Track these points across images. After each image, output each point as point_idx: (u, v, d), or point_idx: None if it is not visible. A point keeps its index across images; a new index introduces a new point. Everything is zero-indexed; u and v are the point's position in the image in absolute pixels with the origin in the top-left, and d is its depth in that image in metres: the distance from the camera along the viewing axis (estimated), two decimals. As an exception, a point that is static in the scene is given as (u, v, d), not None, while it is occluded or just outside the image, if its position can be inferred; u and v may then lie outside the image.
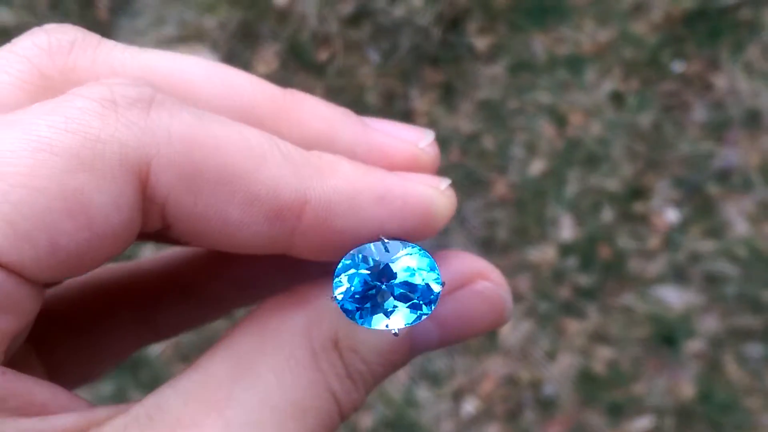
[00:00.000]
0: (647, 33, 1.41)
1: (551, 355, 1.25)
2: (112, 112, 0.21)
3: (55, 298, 0.28)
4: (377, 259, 0.23)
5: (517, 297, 1.27)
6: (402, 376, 1.24)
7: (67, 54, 0.23)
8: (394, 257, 0.23)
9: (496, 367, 1.24)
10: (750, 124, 1.34)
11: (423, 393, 1.24)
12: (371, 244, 0.23)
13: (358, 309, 0.23)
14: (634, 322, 1.26)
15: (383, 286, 0.23)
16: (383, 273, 0.23)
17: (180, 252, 0.31)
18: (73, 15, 1.48)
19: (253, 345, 0.23)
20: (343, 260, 0.23)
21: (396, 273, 0.23)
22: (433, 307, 0.23)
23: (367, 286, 0.23)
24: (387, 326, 0.23)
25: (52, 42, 0.23)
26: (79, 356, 0.29)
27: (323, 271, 0.26)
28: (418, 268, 0.23)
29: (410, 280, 0.23)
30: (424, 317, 0.23)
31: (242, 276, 0.31)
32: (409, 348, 0.26)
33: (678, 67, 1.39)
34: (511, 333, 1.25)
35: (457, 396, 1.24)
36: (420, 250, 0.23)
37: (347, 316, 0.23)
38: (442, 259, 0.26)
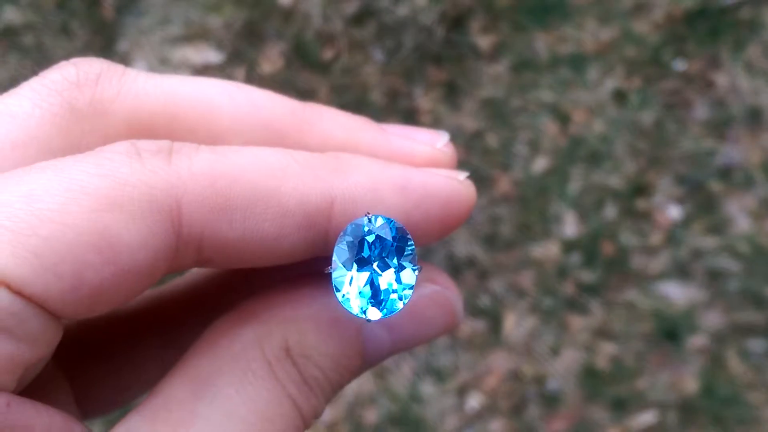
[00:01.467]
0: (649, 32, 1.42)
1: (555, 351, 1.25)
2: (137, 161, 0.21)
3: (84, 324, 0.29)
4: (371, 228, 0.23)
5: (521, 293, 1.28)
6: (407, 371, 1.24)
7: (94, 86, 0.24)
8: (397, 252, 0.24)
9: (500, 362, 1.25)
10: (751, 122, 1.35)
11: (428, 388, 1.24)
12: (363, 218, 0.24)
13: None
14: (637, 318, 1.26)
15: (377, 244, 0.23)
16: (383, 250, 0.23)
17: (200, 273, 0.32)
18: (79, 14, 1.49)
19: (209, 363, 0.24)
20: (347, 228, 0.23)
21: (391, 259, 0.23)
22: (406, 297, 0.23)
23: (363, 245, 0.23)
24: (360, 311, 0.23)
25: (80, 75, 0.24)
26: (107, 382, 0.29)
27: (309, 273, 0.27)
28: (401, 276, 0.24)
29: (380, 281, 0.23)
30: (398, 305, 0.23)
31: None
32: (359, 353, 0.26)
33: (679, 65, 1.40)
34: (515, 329, 1.26)
35: (462, 391, 1.24)
36: (414, 268, 0.24)
37: (335, 290, 0.23)
38: None
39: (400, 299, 0.23)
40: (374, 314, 0.23)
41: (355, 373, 0.26)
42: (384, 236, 0.23)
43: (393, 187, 0.25)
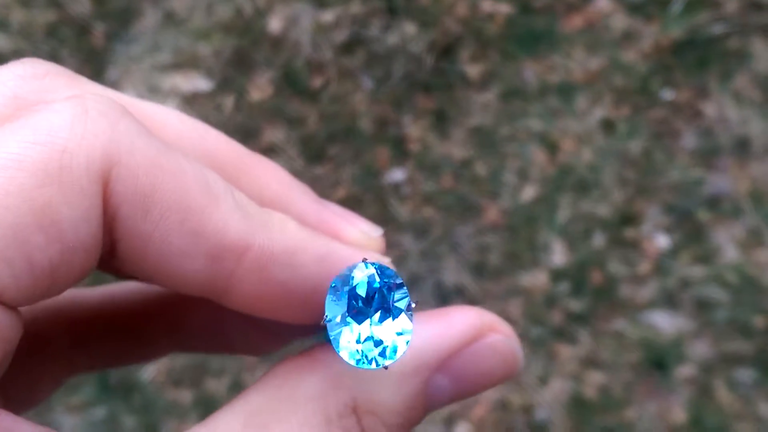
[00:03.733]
0: (637, 61, 1.43)
1: (543, 380, 1.25)
2: (80, 123, 0.21)
3: None
4: (380, 282, 0.22)
5: (509, 322, 1.28)
6: (394, 400, 1.24)
7: (41, 79, 0.24)
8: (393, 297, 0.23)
9: (487, 392, 1.24)
10: (739, 151, 1.36)
11: (415, 418, 1.23)
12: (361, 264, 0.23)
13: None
14: (625, 347, 1.26)
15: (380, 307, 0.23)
16: (382, 295, 0.23)
17: (122, 288, 0.31)
18: (69, 41, 1.49)
19: (267, 405, 0.23)
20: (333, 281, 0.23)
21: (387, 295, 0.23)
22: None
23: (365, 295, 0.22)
24: (377, 361, 0.22)
25: (27, 69, 0.24)
26: (17, 381, 0.28)
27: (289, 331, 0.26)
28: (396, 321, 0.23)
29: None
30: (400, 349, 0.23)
31: (181, 321, 0.31)
32: (424, 405, 0.25)
33: (667, 95, 1.40)
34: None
35: (449, 421, 1.24)
36: (410, 313, 0.23)
37: (333, 344, 0.22)
38: (451, 314, 0.26)
39: (403, 344, 0.22)
40: (381, 362, 0.22)
41: (416, 424, 0.26)
42: (375, 285, 0.22)
43: (313, 255, 0.24)
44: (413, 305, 0.22)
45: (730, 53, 1.42)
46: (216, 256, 0.23)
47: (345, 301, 0.22)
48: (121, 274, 0.27)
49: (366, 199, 1.36)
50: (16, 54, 1.49)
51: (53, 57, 1.48)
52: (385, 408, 0.24)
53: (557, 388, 1.24)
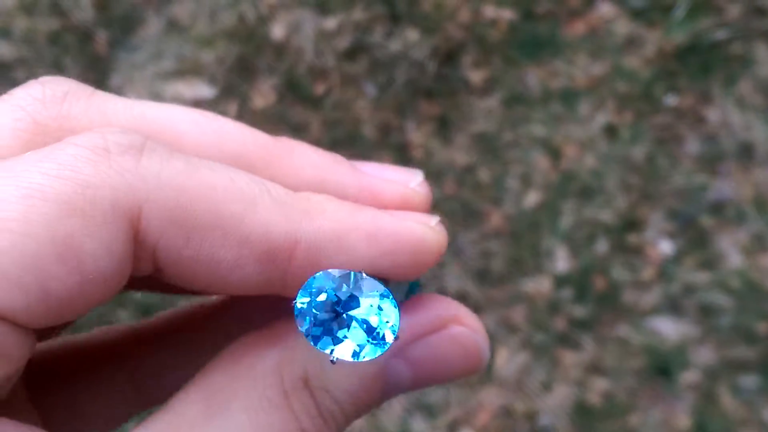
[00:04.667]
0: (640, 67, 1.43)
1: (547, 387, 1.25)
2: (104, 159, 0.21)
3: (50, 351, 0.29)
4: (348, 288, 0.23)
5: (513, 328, 1.28)
6: (397, 407, 1.24)
7: (61, 103, 0.24)
8: (366, 292, 0.23)
9: (491, 398, 1.24)
10: (743, 157, 1.35)
11: (418, 425, 1.23)
12: (351, 273, 0.23)
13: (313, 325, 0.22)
14: (629, 354, 1.26)
15: (344, 314, 0.23)
16: (348, 302, 0.23)
17: (171, 312, 0.31)
18: (72, 49, 1.50)
19: (226, 384, 0.23)
20: (316, 275, 0.23)
21: (360, 305, 0.23)
22: (379, 355, 0.23)
23: (328, 307, 0.23)
24: (332, 353, 0.22)
25: (47, 92, 0.24)
26: (72, 410, 0.29)
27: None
28: (382, 311, 0.23)
29: (368, 319, 0.23)
30: (369, 357, 0.23)
31: (233, 326, 0.31)
32: (380, 389, 0.25)
33: (671, 100, 1.40)
34: (507, 364, 1.25)
35: (453, 427, 1.23)
36: (392, 299, 0.23)
37: (300, 327, 0.22)
38: (418, 302, 0.27)
39: (391, 335, 0.23)
40: (368, 354, 0.22)
41: (372, 408, 0.26)
42: (369, 322, 0.22)
43: (361, 235, 0.24)
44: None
45: (733, 59, 1.42)
46: (265, 259, 0.23)
47: (310, 320, 0.22)
48: (172, 291, 0.27)
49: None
50: (19, 62, 1.49)
51: (56, 64, 1.48)
52: (336, 385, 0.24)
53: (561, 395, 1.24)
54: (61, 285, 0.20)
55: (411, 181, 0.28)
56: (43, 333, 0.23)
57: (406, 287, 0.27)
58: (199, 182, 0.22)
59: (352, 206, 0.25)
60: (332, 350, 0.22)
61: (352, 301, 0.23)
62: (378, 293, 0.23)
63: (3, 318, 0.20)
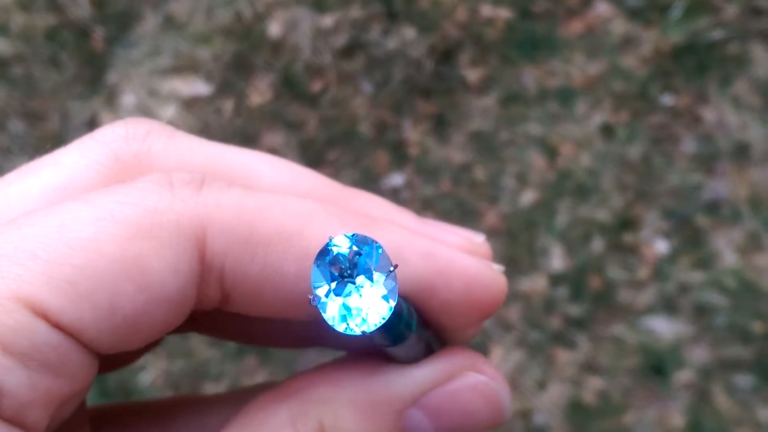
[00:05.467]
0: (636, 66, 1.43)
1: (542, 385, 1.25)
2: (168, 190, 0.22)
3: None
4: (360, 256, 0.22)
5: (508, 327, 1.28)
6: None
7: (142, 141, 0.25)
8: (376, 266, 0.22)
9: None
10: (738, 157, 1.36)
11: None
12: (373, 243, 0.22)
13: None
14: (624, 353, 1.26)
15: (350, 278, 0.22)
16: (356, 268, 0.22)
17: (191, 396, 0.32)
18: (69, 45, 1.49)
19: None
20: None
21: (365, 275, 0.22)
22: (354, 334, 0.22)
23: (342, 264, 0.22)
24: (318, 302, 0.22)
25: (129, 130, 0.25)
26: None
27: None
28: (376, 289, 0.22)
29: (363, 292, 0.22)
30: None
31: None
32: None
33: (667, 100, 1.40)
34: (502, 363, 1.25)
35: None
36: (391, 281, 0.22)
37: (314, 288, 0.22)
38: (438, 354, 0.26)
39: (384, 311, 0.22)
40: (364, 327, 0.22)
41: None
42: (352, 254, 0.22)
43: (418, 252, 0.24)
44: (393, 268, 0.22)
45: (730, 59, 1.42)
46: None
47: (327, 273, 0.22)
48: (231, 337, 0.29)
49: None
50: (15, 58, 1.49)
51: (53, 61, 1.48)
52: None
53: (556, 393, 1.24)
54: (128, 302, 0.21)
55: (474, 237, 0.28)
56: (107, 364, 0.23)
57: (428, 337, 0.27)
58: (257, 202, 0.23)
59: (412, 229, 0.26)
60: (366, 325, 0.22)
61: (360, 269, 0.22)
62: (385, 273, 0.22)
63: (70, 334, 0.20)
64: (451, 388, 0.26)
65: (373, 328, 0.21)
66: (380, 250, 0.22)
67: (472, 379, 0.26)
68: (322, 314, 0.22)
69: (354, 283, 0.22)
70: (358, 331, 0.21)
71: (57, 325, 0.20)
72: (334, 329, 0.21)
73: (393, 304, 0.22)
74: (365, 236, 0.22)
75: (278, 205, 0.23)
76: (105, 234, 0.21)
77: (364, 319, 0.22)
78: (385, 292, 0.22)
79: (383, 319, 0.22)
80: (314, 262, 0.22)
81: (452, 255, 0.25)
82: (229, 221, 0.22)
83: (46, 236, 0.20)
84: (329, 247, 0.22)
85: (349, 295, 0.22)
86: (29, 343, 0.20)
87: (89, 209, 0.21)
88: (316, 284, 0.22)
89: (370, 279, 0.22)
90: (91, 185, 0.24)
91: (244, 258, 0.22)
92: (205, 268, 0.22)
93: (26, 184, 0.24)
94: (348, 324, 0.22)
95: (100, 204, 0.21)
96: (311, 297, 0.22)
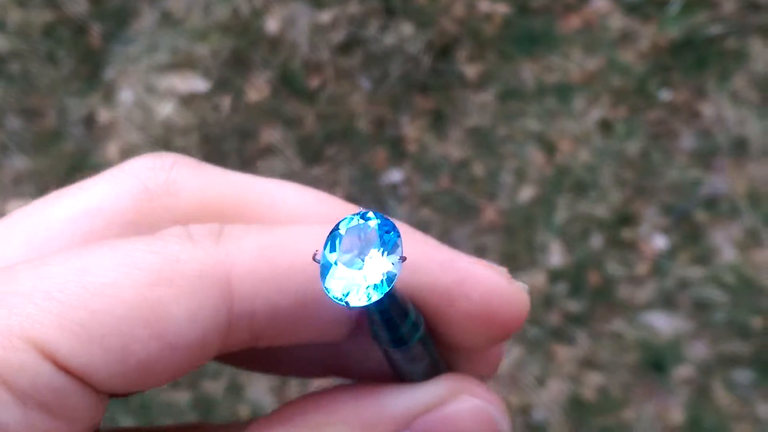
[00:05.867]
0: (635, 62, 1.43)
1: (541, 381, 1.25)
2: (188, 241, 0.22)
3: None
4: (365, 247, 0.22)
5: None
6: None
7: (169, 170, 0.25)
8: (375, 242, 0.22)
9: (485, 393, 1.24)
10: (737, 152, 1.36)
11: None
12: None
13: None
14: (623, 348, 1.26)
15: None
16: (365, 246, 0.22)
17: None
18: (66, 41, 1.49)
19: None
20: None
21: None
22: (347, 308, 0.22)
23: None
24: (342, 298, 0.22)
25: (157, 162, 0.26)
26: None
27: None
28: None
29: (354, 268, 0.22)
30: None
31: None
32: None
33: (665, 95, 1.40)
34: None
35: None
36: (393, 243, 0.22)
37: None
38: (434, 379, 0.26)
39: (385, 284, 0.22)
40: (356, 301, 0.22)
41: None
42: (366, 229, 0.22)
43: (436, 259, 0.24)
44: (401, 258, 0.22)
45: (728, 54, 1.42)
46: None
47: (336, 243, 0.22)
48: (244, 364, 0.29)
49: (364, 199, 1.36)
50: (12, 54, 1.49)
51: (50, 57, 1.48)
52: None
53: (555, 389, 1.24)
54: (142, 347, 0.21)
55: (499, 268, 0.27)
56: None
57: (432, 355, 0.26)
58: (278, 236, 0.23)
59: (433, 241, 0.25)
60: (367, 296, 0.22)
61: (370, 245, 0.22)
62: (396, 258, 0.22)
63: (75, 376, 0.20)
64: (445, 411, 0.25)
65: (366, 302, 0.21)
66: (398, 238, 0.22)
67: (467, 403, 0.26)
68: (323, 278, 0.22)
69: (362, 259, 0.22)
70: (352, 303, 0.21)
71: (64, 368, 0.20)
72: (329, 295, 0.21)
73: (391, 285, 0.22)
74: (390, 220, 0.22)
75: (298, 234, 0.23)
76: (125, 279, 0.21)
77: (363, 295, 0.22)
78: (389, 269, 0.22)
79: (380, 293, 0.21)
80: (334, 228, 0.22)
81: (472, 265, 0.25)
82: (253, 262, 0.22)
83: (65, 278, 0.21)
84: (354, 217, 0.22)
85: (353, 266, 0.22)
86: (30, 383, 0.20)
87: (112, 254, 0.21)
88: (327, 249, 0.22)
89: (379, 256, 0.22)
90: (119, 211, 0.24)
91: (274, 294, 0.23)
92: (234, 316, 0.22)
93: (53, 210, 0.25)
94: (344, 296, 0.22)
95: (123, 250, 0.21)
96: (315, 253, 0.22)
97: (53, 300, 0.20)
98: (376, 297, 0.21)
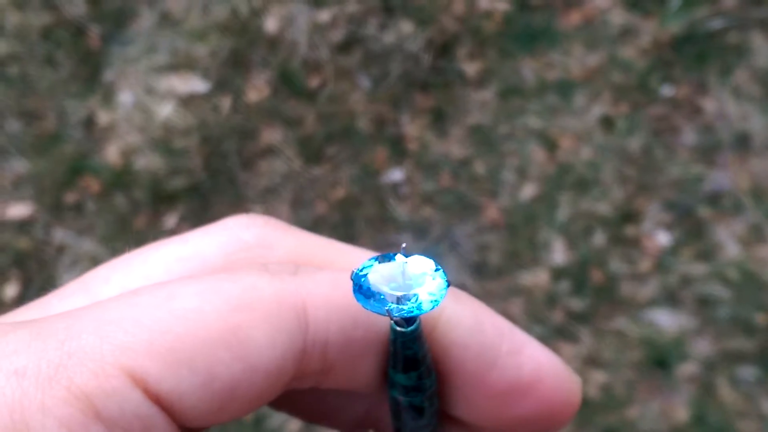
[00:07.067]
0: (636, 58, 1.42)
1: (544, 380, 1.24)
2: (266, 273, 0.23)
3: None
4: (400, 283, 0.23)
5: (511, 321, 1.27)
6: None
7: (262, 227, 0.27)
8: (419, 280, 0.22)
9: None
10: (739, 147, 1.35)
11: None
12: (396, 256, 0.23)
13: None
14: (626, 346, 1.25)
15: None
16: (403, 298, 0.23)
17: None
18: (64, 44, 1.49)
19: None
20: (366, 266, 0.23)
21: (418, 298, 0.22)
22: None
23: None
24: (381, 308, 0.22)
25: (250, 219, 0.27)
26: None
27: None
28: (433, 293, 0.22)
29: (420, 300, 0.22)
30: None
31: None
32: None
33: (667, 91, 1.40)
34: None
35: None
36: (443, 273, 0.22)
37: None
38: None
39: (429, 302, 0.22)
40: (395, 311, 0.22)
41: None
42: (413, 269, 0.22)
43: (493, 325, 0.25)
44: (446, 285, 0.22)
45: (730, 48, 1.41)
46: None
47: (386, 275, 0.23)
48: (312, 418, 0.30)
49: (365, 199, 1.35)
50: (11, 57, 1.48)
51: (49, 59, 1.47)
52: None
53: (559, 388, 1.24)
54: (226, 370, 0.22)
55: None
56: None
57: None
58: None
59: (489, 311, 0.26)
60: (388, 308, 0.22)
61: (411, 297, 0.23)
62: (430, 274, 0.23)
63: (164, 407, 0.21)
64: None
65: (400, 312, 0.22)
66: (444, 277, 0.22)
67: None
68: (359, 282, 0.22)
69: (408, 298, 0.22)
70: (384, 309, 0.22)
71: (154, 395, 0.21)
72: (363, 298, 0.22)
73: (442, 297, 0.22)
74: (436, 260, 0.23)
75: None
76: (207, 305, 0.22)
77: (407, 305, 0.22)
78: (431, 291, 0.22)
79: (426, 308, 0.22)
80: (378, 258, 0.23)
81: (532, 341, 0.25)
82: (327, 293, 0.23)
83: (152, 305, 0.22)
84: (409, 258, 0.23)
85: (396, 288, 0.22)
86: (119, 411, 0.20)
87: (194, 284, 0.22)
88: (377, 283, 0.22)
89: (429, 279, 0.22)
90: (212, 258, 0.26)
91: (347, 326, 0.23)
92: (309, 344, 0.23)
93: (150, 256, 0.26)
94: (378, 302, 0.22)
95: (207, 281, 0.23)
96: (354, 270, 0.23)
97: (143, 326, 0.21)
98: (427, 305, 0.22)
